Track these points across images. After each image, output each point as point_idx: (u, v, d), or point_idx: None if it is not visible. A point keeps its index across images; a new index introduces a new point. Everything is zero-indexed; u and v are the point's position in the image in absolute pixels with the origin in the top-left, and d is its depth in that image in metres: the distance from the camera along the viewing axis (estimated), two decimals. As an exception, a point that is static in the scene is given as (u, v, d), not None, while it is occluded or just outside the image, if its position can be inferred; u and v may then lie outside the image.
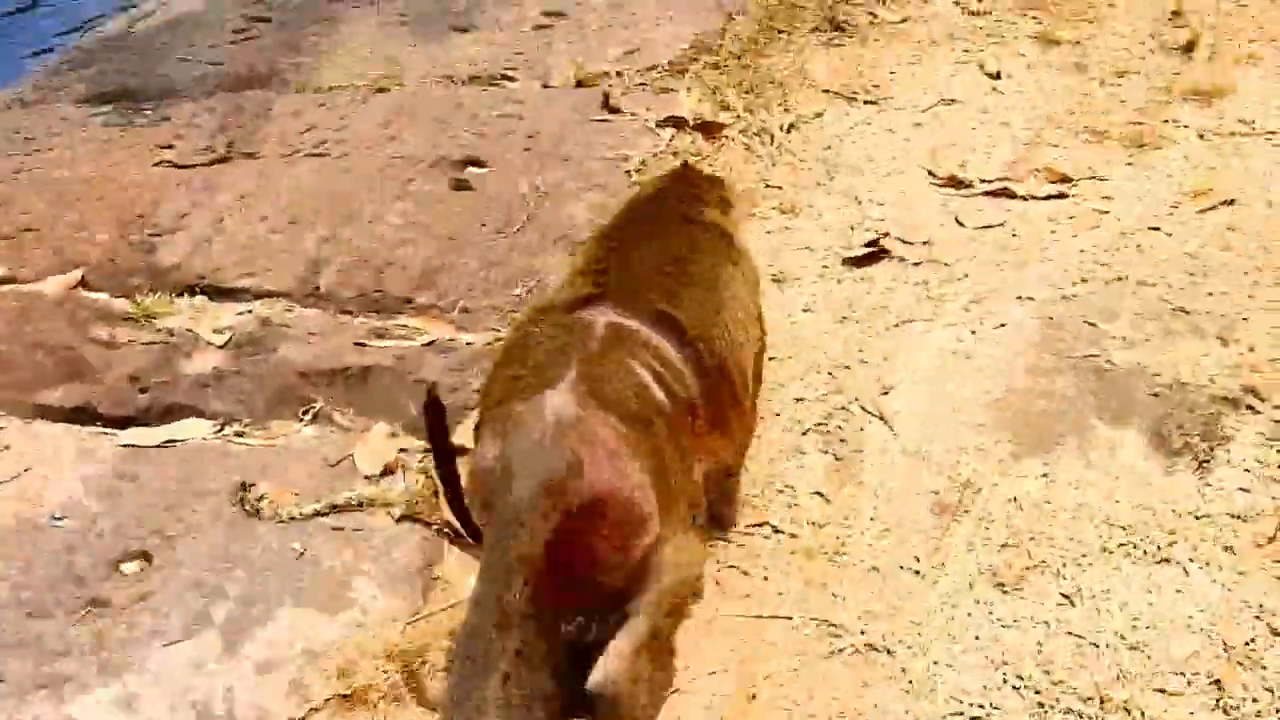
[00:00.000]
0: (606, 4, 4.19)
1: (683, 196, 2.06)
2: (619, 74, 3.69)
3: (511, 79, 3.75)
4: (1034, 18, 3.95)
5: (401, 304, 2.78)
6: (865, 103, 3.52)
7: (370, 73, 3.85)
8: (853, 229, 2.97)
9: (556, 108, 3.48)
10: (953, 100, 3.50)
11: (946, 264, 2.81)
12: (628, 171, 3.14)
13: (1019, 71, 3.64)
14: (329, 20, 4.28)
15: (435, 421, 1.70)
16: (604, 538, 1.54)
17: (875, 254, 2.86)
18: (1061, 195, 3.05)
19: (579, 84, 3.66)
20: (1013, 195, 3.05)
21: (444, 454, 1.73)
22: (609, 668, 1.53)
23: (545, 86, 3.68)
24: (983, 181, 3.12)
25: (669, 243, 1.91)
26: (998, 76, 3.64)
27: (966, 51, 3.79)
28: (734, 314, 1.86)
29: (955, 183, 3.13)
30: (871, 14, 4.05)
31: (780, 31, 3.98)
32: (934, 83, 3.59)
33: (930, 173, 3.19)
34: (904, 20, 4.03)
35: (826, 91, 3.58)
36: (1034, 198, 3.04)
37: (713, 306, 1.81)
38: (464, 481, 1.73)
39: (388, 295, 2.80)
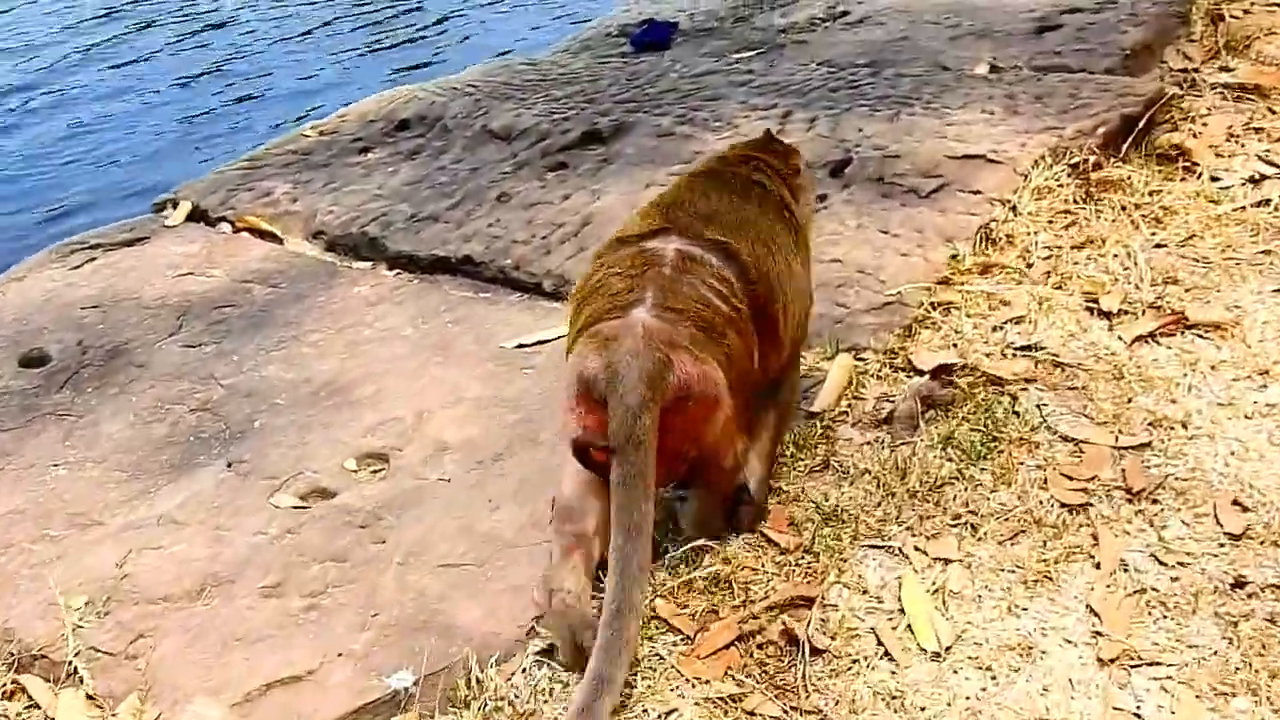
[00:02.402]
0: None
1: (758, 162, 2.24)
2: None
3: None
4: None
5: None
6: None
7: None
8: None
9: None
10: None
11: None
12: None
13: None
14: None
15: None
16: (693, 415, 1.84)
17: None
18: None
19: None
20: None
21: None
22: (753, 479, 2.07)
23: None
24: None
25: (734, 195, 2.12)
26: None
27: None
28: (782, 264, 2.05)
29: None
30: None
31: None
32: None
33: None
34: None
35: None
36: None
37: (764, 249, 2.02)
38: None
39: None
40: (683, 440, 1.86)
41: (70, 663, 1.99)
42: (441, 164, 3.72)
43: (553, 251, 3.09)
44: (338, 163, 3.86)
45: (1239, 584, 1.90)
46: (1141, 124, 3.22)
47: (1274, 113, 3.37)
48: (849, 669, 1.84)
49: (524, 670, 1.91)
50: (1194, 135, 3.26)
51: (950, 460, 2.22)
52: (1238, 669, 1.77)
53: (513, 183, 3.49)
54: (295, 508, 2.32)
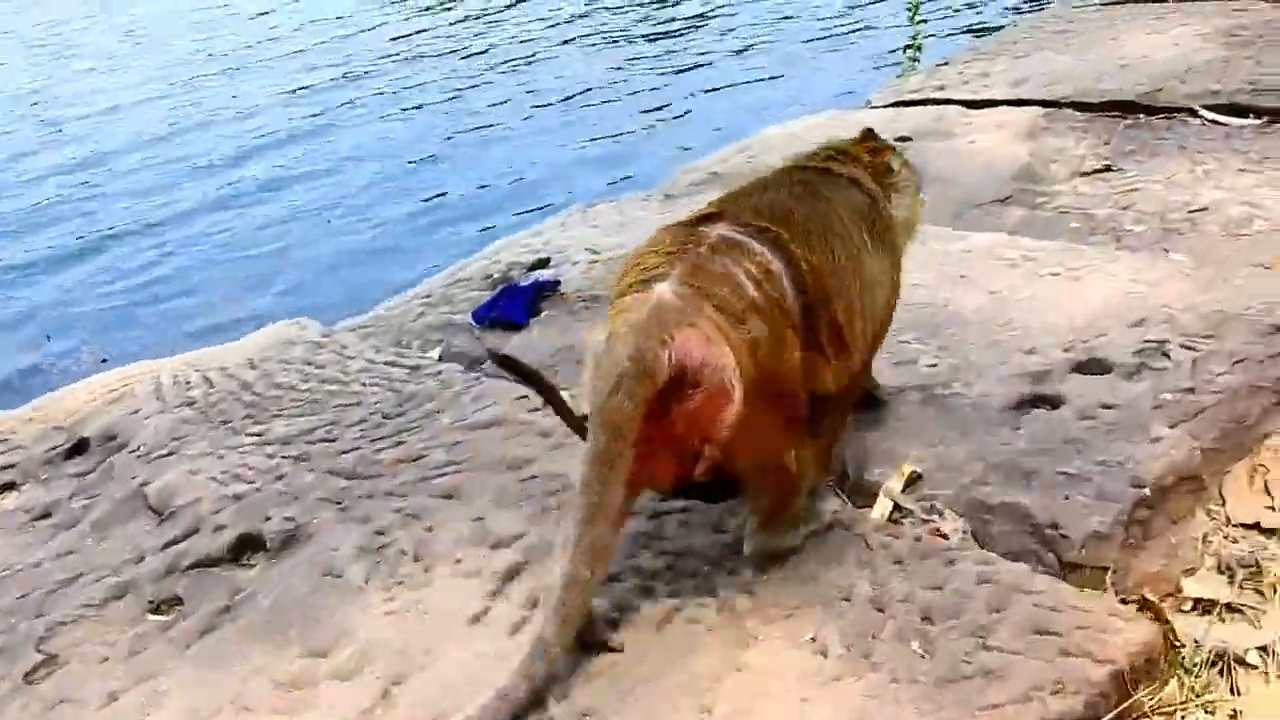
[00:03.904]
0: None
1: (843, 158, 2.14)
2: None
3: None
4: None
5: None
6: None
7: None
8: None
9: None
10: None
11: None
12: None
13: None
14: None
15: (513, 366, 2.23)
16: (699, 404, 1.66)
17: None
18: None
19: None
20: None
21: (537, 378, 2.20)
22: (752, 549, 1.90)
23: None
24: None
25: (803, 192, 1.99)
26: None
27: None
28: (848, 266, 1.91)
29: None
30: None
31: None
32: None
33: None
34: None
35: None
36: None
37: (825, 243, 1.88)
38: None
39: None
40: (687, 431, 1.68)
41: None
42: (43, 555, 2.45)
43: None
44: (-52, 513, 2.63)
45: None
46: (1091, 732, 1.65)
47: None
48: None
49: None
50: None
51: None
52: None
53: (85, 630, 2.19)
54: None
